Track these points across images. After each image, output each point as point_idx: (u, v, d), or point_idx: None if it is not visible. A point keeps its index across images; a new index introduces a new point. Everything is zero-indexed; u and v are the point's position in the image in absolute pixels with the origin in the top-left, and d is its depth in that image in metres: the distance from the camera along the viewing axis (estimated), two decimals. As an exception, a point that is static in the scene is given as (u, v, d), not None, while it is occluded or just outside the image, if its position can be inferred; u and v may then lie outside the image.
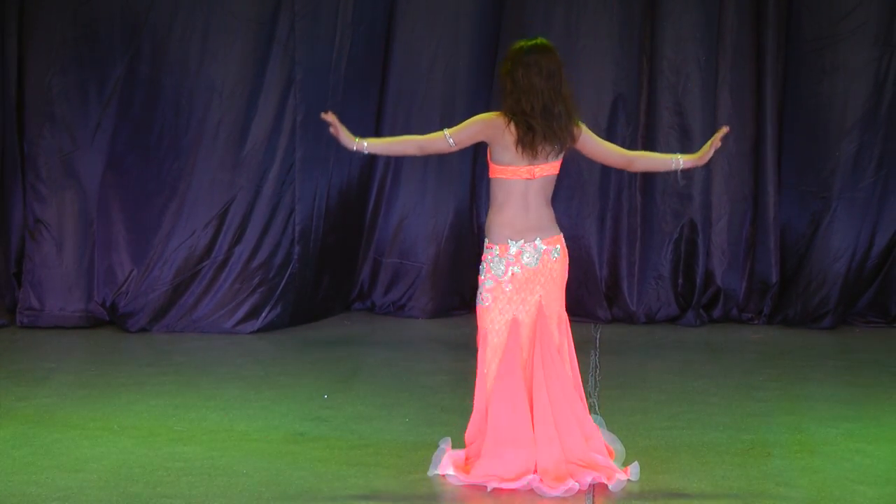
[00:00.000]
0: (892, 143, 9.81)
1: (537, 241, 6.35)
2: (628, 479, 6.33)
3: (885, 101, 9.77)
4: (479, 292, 6.39)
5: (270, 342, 9.39)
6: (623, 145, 9.97)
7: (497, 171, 6.31)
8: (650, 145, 9.94)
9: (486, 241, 6.40)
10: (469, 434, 6.41)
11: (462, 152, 10.00)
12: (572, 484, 6.20)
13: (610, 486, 6.22)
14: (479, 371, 6.38)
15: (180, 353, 9.01)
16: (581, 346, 9.15)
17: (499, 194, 6.34)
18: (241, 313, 9.60)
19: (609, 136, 9.95)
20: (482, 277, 6.38)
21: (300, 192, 9.65)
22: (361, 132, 9.98)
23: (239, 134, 9.53)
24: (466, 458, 6.38)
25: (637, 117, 9.99)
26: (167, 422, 7.30)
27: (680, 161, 6.39)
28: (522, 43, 6.32)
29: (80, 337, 9.40)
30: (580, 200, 10.00)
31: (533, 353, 6.37)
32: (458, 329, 9.61)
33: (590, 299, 9.99)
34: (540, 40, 6.32)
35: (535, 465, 6.26)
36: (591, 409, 7.59)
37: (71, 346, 9.16)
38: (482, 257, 6.41)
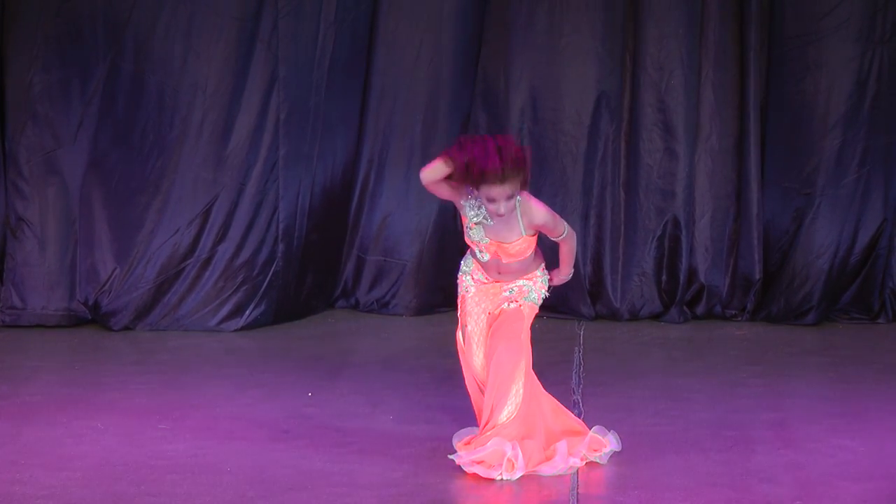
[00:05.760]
0: (875, 140, 9.82)
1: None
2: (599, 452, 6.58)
3: (867, 98, 9.78)
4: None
5: (254, 340, 9.38)
6: (607, 142, 10.00)
7: None
8: (633, 142, 9.94)
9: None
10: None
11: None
12: (574, 461, 6.46)
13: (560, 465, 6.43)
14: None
15: (164, 351, 8.99)
16: (564, 344, 9.20)
17: None
18: (224, 311, 9.58)
19: (592, 133, 9.96)
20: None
21: (284, 190, 9.64)
22: (345, 130, 10.06)
23: (222, 132, 9.52)
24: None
25: (620, 114, 9.99)
26: (151, 420, 7.29)
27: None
28: None
29: (62, 335, 9.37)
30: (563, 197, 10.00)
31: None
32: (443, 326, 9.60)
33: (573, 296, 9.98)
34: None
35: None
36: (575, 405, 7.60)
37: (54, 345, 9.14)
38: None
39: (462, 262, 6.72)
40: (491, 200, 6.30)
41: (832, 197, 9.84)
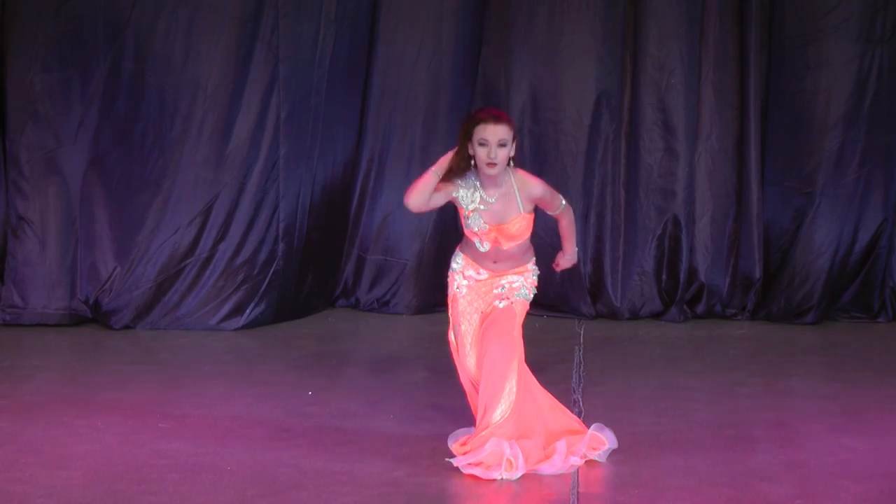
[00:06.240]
0: (874, 139, 9.83)
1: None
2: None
3: (867, 97, 9.79)
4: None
5: (255, 339, 9.38)
6: (607, 142, 10.00)
7: None
8: (634, 142, 9.94)
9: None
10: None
11: (446, 149, 10.05)
12: (574, 460, 6.44)
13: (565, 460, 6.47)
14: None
15: (164, 350, 9.00)
16: (565, 343, 9.21)
17: None
18: (225, 310, 9.59)
19: (593, 133, 9.96)
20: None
21: (284, 189, 9.64)
22: (345, 129, 10.06)
23: (223, 131, 9.52)
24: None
25: (620, 114, 9.99)
26: (152, 419, 7.29)
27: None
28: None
29: (63, 334, 9.38)
30: (564, 197, 9.98)
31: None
32: (443, 325, 9.50)
33: (574, 295, 9.99)
34: None
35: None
36: (575, 404, 7.60)
37: (54, 344, 9.14)
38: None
39: (452, 259, 6.73)
40: (483, 144, 6.37)
41: (832, 196, 9.84)
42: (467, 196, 6.50)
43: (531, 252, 6.68)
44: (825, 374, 8.52)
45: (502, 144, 6.38)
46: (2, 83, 9.57)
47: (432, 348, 8.98)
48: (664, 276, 10.01)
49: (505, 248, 6.55)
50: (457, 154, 6.48)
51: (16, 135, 9.52)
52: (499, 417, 6.40)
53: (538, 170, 9.99)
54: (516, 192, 6.47)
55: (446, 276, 6.75)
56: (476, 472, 6.34)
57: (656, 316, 10.01)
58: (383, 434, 7.05)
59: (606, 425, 6.79)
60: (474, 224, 6.50)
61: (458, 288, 6.66)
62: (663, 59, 9.87)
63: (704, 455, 6.70)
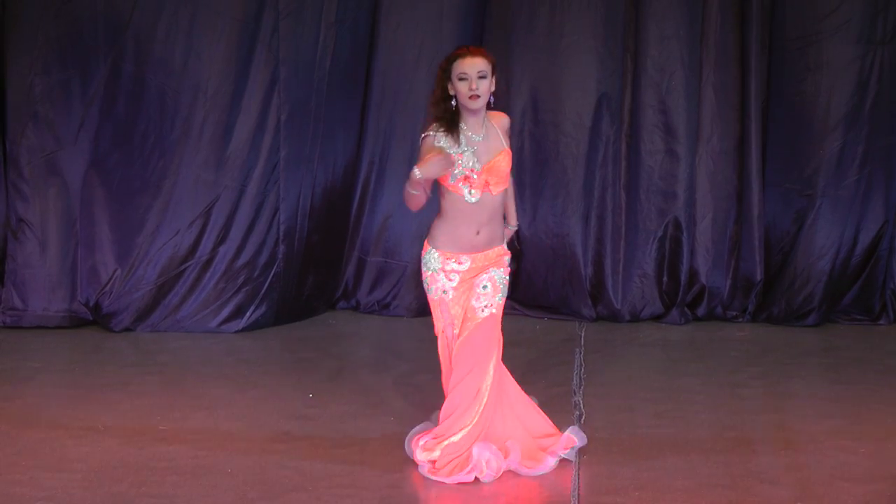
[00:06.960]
0: (875, 141, 9.82)
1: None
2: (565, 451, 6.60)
3: (868, 99, 9.78)
4: None
5: (255, 341, 9.38)
6: (608, 144, 10.00)
7: None
8: (634, 144, 9.94)
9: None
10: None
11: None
12: (550, 461, 6.48)
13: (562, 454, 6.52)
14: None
15: (165, 352, 8.99)
16: (565, 345, 9.21)
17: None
18: (225, 312, 9.58)
19: (593, 135, 9.96)
20: None
21: (284, 192, 9.64)
22: (345, 131, 10.06)
23: (223, 133, 9.52)
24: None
25: (621, 116, 9.99)
26: (152, 421, 7.30)
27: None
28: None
29: (63, 337, 9.37)
30: (564, 199, 10.00)
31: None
32: (443, 328, 9.60)
33: (574, 298, 9.99)
34: None
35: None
36: (576, 407, 7.60)
37: (55, 346, 9.14)
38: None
39: (425, 260, 6.66)
40: (463, 78, 6.41)
41: (833, 198, 9.84)
42: (453, 143, 6.49)
43: (502, 222, 6.67)
44: (826, 376, 8.51)
45: (482, 76, 6.42)
46: (2, 85, 9.57)
47: (433, 350, 8.96)
48: (665, 278, 10.01)
49: (494, 192, 6.50)
50: (434, 98, 6.49)
51: (16, 137, 9.52)
52: (469, 428, 6.41)
53: (539, 172, 10.02)
54: (495, 126, 6.58)
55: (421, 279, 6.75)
56: (442, 477, 6.35)
57: (657, 318, 10.00)
58: (384, 436, 7.05)
59: (608, 428, 6.80)
60: (468, 162, 6.46)
61: (444, 292, 6.63)
62: (664, 61, 9.87)
63: (705, 457, 6.70)
